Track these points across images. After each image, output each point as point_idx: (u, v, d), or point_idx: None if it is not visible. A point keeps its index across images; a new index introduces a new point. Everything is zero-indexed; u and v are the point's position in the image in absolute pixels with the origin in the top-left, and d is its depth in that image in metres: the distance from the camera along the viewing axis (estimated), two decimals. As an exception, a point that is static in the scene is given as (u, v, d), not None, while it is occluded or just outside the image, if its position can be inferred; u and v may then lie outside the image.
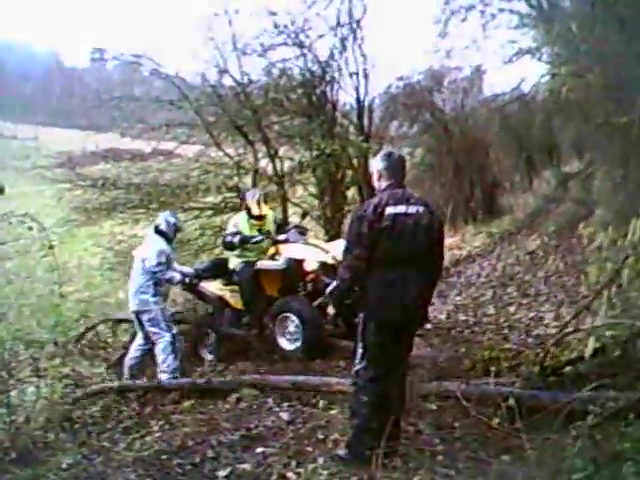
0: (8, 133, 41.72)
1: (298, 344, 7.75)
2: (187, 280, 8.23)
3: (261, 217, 8.56)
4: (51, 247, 7.14)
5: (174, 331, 7.92)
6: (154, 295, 7.86)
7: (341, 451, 4.85)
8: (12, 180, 6.15)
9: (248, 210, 8.56)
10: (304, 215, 9.42)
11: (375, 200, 4.80)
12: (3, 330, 7.18)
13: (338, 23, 12.42)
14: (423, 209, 4.84)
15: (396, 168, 5.01)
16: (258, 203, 8.53)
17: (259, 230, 8.53)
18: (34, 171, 14.12)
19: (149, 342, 7.95)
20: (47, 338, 8.88)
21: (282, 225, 9.21)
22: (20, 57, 65.70)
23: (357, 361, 4.81)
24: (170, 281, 8.10)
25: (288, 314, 7.86)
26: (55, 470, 5.07)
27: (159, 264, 7.85)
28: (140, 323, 7.93)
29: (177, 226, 8.39)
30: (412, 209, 4.78)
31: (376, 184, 5.05)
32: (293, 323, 7.81)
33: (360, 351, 4.79)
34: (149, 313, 7.84)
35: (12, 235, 6.98)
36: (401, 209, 4.74)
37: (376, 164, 5.06)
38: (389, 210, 4.69)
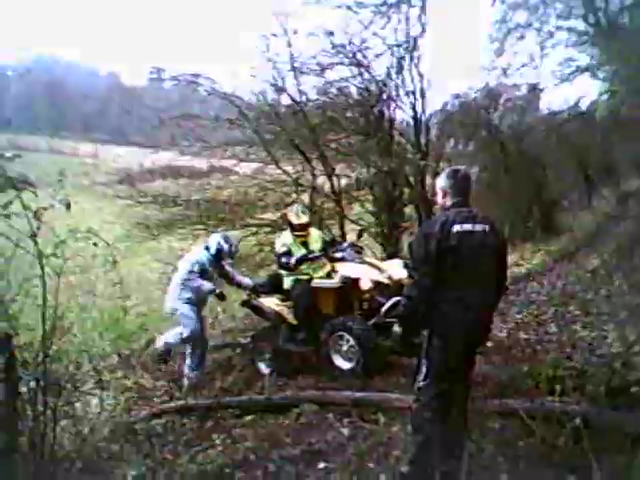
0: (69, 151, 42.67)
1: (353, 363, 7.71)
2: (245, 291, 8.57)
3: (302, 227, 8.58)
4: (115, 262, 7.28)
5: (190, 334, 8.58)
6: (185, 302, 8.57)
7: (404, 468, 4.80)
8: (72, 197, 6.29)
9: (290, 225, 8.62)
10: (360, 234, 9.39)
11: (442, 218, 4.76)
12: (67, 343, 7.28)
13: (396, 44, 12.47)
14: (489, 228, 4.81)
15: (462, 186, 4.96)
16: (297, 214, 8.59)
17: (304, 243, 8.57)
18: (94, 188, 14.40)
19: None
20: (109, 351, 9.04)
21: (334, 242, 9.22)
22: (81, 77, 67.29)
23: (421, 378, 4.77)
24: (199, 290, 8.55)
25: (343, 333, 7.84)
26: (120, 480, 5.16)
27: (190, 272, 8.53)
28: None
29: (221, 248, 8.79)
30: (478, 227, 4.75)
31: (440, 202, 5.03)
32: (348, 342, 7.78)
33: (424, 368, 4.74)
34: (178, 317, 8.65)
35: (73, 250, 7.12)
36: (467, 227, 4.71)
37: (441, 182, 5.01)
38: (456, 228, 4.66)
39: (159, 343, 8.80)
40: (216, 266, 8.75)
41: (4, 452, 5.05)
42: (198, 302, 8.68)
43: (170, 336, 8.74)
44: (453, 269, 4.64)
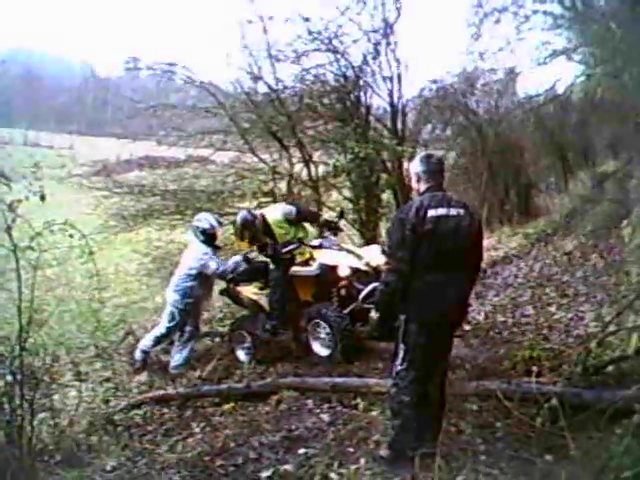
0: (44, 143, 42.30)
1: (331, 350, 7.75)
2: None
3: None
4: (91, 253, 7.24)
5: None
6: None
7: (383, 452, 4.87)
8: (48, 189, 6.25)
9: None
10: (341, 215, 9.38)
11: (417, 203, 4.79)
12: (45, 335, 7.24)
13: (372, 29, 12.45)
14: (464, 211, 4.85)
15: (435, 170, 5.00)
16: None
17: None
18: (71, 179, 14.28)
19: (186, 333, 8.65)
20: (87, 343, 9.00)
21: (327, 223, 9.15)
22: (54, 69, 66.66)
23: (398, 362, 4.81)
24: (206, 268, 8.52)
25: (319, 320, 7.87)
26: (100, 472, 5.15)
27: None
28: None
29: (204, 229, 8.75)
30: (453, 211, 4.79)
31: (415, 186, 5.06)
32: (324, 330, 7.81)
33: (401, 352, 4.78)
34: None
35: (50, 243, 7.09)
36: (442, 212, 4.75)
37: (415, 167, 5.05)
38: (431, 213, 4.70)
39: (137, 354, 8.64)
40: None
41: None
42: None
43: (147, 341, 8.65)
44: (429, 253, 4.67)
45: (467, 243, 4.85)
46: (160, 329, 8.56)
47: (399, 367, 4.81)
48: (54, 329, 8.31)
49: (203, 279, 8.55)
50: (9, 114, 54.11)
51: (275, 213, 8.55)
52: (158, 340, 8.57)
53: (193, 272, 8.47)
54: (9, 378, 5.22)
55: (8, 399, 5.15)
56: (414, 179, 5.05)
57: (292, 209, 8.56)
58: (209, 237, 8.70)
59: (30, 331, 5.45)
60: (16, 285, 5.29)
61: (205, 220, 8.78)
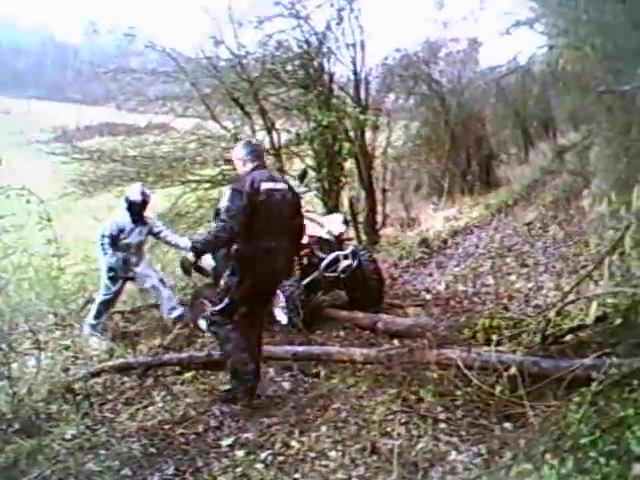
0: (2, 108, 41.43)
1: (289, 318, 7.74)
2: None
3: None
4: (49, 220, 7.12)
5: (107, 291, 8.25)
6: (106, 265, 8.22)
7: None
8: (7, 154, 6.12)
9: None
10: (304, 174, 9.33)
11: (250, 178, 5.55)
12: (2, 303, 7.13)
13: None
14: (286, 186, 5.81)
15: (258, 152, 5.93)
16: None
17: None
18: (29, 145, 14.01)
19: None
20: (46, 311, 8.86)
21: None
22: (12, 33, 65.12)
23: (217, 309, 5.74)
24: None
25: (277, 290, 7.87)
26: (59, 440, 5.09)
27: (102, 236, 8.12)
28: None
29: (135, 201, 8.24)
30: (279, 185, 5.71)
31: (241, 170, 5.79)
32: (282, 299, 7.80)
33: (224, 303, 5.65)
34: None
35: (8, 209, 6.96)
36: (271, 185, 5.61)
37: (239, 152, 5.85)
38: (264, 186, 5.53)
39: (85, 330, 8.41)
40: (136, 225, 8.33)
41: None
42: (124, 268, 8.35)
43: (89, 319, 8.39)
44: (262, 222, 5.49)
45: (291, 212, 5.74)
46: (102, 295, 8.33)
47: (216, 316, 5.74)
48: (12, 297, 8.14)
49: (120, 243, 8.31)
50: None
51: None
52: (100, 312, 8.32)
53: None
54: (-34, 346, 5.14)
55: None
56: (239, 164, 5.81)
57: None
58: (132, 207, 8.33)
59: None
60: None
61: (135, 191, 8.40)
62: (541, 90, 22.20)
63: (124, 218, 8.14)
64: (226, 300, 5.64)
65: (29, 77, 56.46)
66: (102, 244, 8.06)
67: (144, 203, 8.25)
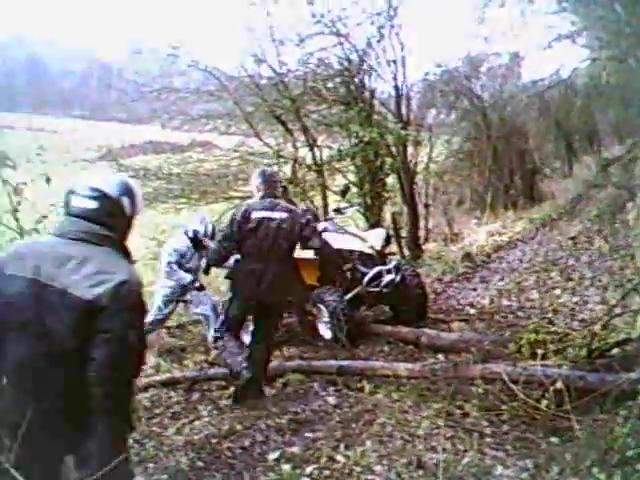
0: (49, 128, 42.24)
1: (334, 333, 7.75)
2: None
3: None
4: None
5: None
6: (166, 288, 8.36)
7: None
8: (54, 173, 6.23)
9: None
10: (346, 190, 9.41)
11: (245, 206, 6.34)
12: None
13: (376, 12, 12.37)
14: (286, 215, 6.22)
15: (268, 182, 6.37)
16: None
17: None
18: (76, 164, 14.26)
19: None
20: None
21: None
22: (58, 53, 66.50)
23: (216, 327, 6.82)
24: (180, 282, 8.26)
25: (320, 304, 7.89)
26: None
27: (169, 263, 8.20)
28: None
29: (197, 232, 7.99)
30: (276, 215, 6.18)
31: (255, 196, 6.41)
32: (326, 314, 7.82)
33: (219, 320, 6.86)
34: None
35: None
36: (266, 214, 6.15)
37: (253, 180, 6.48)
38: (254, 215, 6.12)
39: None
40: (197, 250, 8.40)
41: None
42: (180, 292, 8.42)
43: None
44: (251, 247, 6.13)
45: (286, 242, 6.22)
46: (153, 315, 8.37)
47: (217, 333, 6.62)
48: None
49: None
50: (13, 98, 54.07)
51: None
52: (148, 331, 8.32)
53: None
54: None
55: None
56: (254, 190, 6.41)
57: None
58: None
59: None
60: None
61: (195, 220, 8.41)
62: (584, 103, 22.01)
63: (183, 243, 8.21)
64: (222, 316, 6.70)
65: (75, 98, 57.51)
66: (170, 270, 8.18)
67: (205, 232, 8.31)
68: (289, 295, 6.82)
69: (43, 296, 2.70)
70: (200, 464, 4.96)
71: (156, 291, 8.46)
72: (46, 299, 2.70)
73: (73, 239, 2.82)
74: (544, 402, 4.96)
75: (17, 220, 5.56)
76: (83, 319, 2.65)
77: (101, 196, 2.90)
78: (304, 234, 6.33)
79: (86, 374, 2.64)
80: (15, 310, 2.75)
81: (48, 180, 5.99)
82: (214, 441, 5.28)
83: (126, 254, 3.00)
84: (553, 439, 4.60)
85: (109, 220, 2.91)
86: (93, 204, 2.88)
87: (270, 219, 6.12)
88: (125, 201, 2.97)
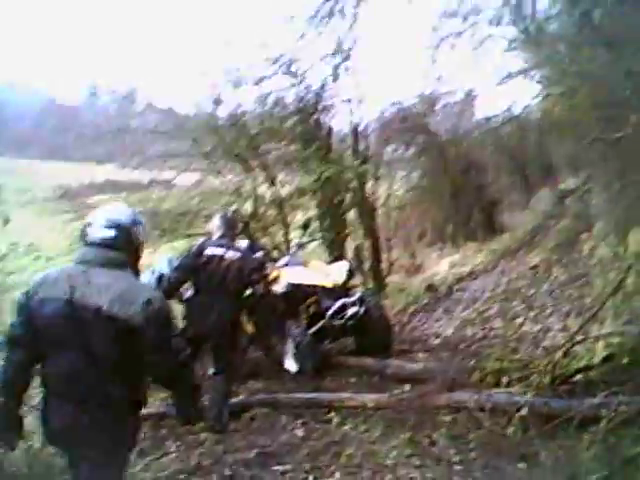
0: (5, 168, 41.80)
1: (299, 366, 7.72)
2: None
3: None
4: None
5: None
6: None
7: None
8: (12, 214, 6.22)
9: None
10: (307, 224, 9.52)
11: (200, 243, 6.93)
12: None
13: (331, 53, 12.50)
14: (238, 256, 6.71)
15: (227, 224, 6.99)
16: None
17: None
18: (33, 204, 14.13)
19: None
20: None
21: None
22: (13, 97, 66.04)
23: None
24: None
25: (285, 338, 7.88)
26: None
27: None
28: None
29: (162, 275, 7.73)
30: (229, 254, 6.64)
31: (214, 235, 6.90)
32: (291, 347, 7.80)
33: None
34: None
35: (15, 267, 7.04)
36: (219, 252, 6.62)
37: (214, 222, 7.09)
38: (207, 252, 6.62)
39: None
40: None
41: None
42: None
43: None
44: (202, 281, 6.62)
45: (234, 279, 6.60)
46: None
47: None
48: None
49: None
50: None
51: None
52: None
53: None
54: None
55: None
56: (214, 230, 6.96)
57: None
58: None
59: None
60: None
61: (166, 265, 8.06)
62: (539, 137, 22.35)
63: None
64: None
65: (31, 139, 57.05)
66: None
67: None
68: (231, 334, 6.83)
69: (79, 315, 3.23)
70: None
71: None
72: (82, 318, 3.23)
73: (96, 265, 3.35)
74: (510, 429, 5.00)
75: (-23, 261, 5.50)
76: (117, 334, 3.22)
77: (116, 226, 3.45)
78: (252, 278, 7.00)
79: (125, 382, 3.33)
80: (53, 330, 3.29)
81: (7, 221, 5.95)
82: (182, 477, 5.24)
83: (137, 274, 3.66)
84: (520, 465, 4.64)
85: (125, 246, 3.47)
86: (110, 233, 3.42)
87: (222, 258, 6.60)
88: (136, 229, 3.55)
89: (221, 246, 6.70)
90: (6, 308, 6.23)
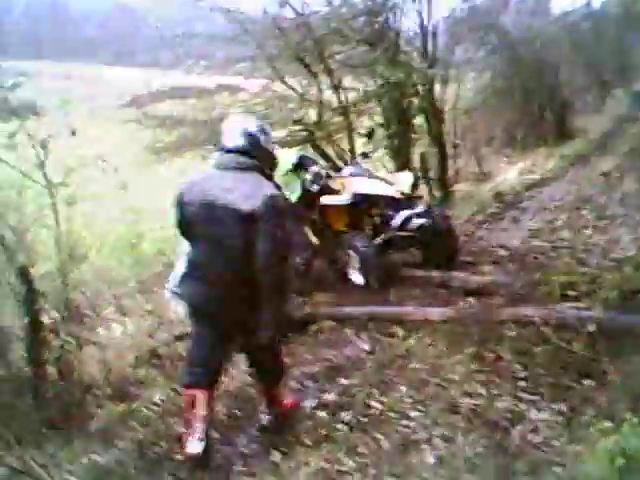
0: (74, 74, 42.14)
1: (365, 278, 7.71)
2: None
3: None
4: (124, 187, 7.27)
5: None
6: None
7: None
8: (79, 123, 6.23)
9: None
10: (370, 133, 9.32)
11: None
12: (85, 271, 7.31)
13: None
14: None
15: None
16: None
17: None
18: (102, 112, 14.26)
19: None
20: (127, 277, 9.04)
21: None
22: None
23: None
24: None
25: (350, 250, 7.83)
26: (148, 404, 5.26)
27: None
28: None
29: None
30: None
31: None
32: (356, 259, 7.77)
33: None
34: None
35: (84, 178, 7.12)
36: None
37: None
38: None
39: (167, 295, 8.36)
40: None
41: (33, 381, 5.18)
42: None
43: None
44: None
45: None
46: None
47: None
48: (94, 264, 8.32)
49: None
50: (38, 46, 53.93)
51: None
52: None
53: None
54: (54, 314, 5.33)
55: (55, 335, 5.27)
56: None
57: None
58: None
59: (71, 266, 5.53)
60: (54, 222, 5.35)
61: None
62: (617, 35, 21.42)
63: None
64: None
65: (97, 43, 57.17)
66: None
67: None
68: None
69: (212, 212, 4.01)
70: (238, 413, 5.05)
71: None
72: (215, 214, 4.00)
73: (229, 168, 4.15)
74: (576, 345, 4.95)
75: (45, 175, 5.58)
76: (243, 225, 3.93)
77: (247, 135, 4.21)
78: None
79: (251, 266, 3.94)
80: (194, 225, 4.17)
81: (74, 133, 6.00)
82: (250, 389, 5.34)
83: (268, 177, 4.29)
84: (587, 382, 4.59)
85: (253, 152, 4.20)
86: (241, 141, 4.19)
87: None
88: (262, 138, 4.28)
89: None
90: (77, 219, 6.38)
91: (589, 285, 6.12)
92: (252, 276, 4.00)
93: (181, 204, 4.23)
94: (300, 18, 11.63)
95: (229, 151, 4.22)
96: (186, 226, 4.27)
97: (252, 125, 4.33)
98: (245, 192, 3.97)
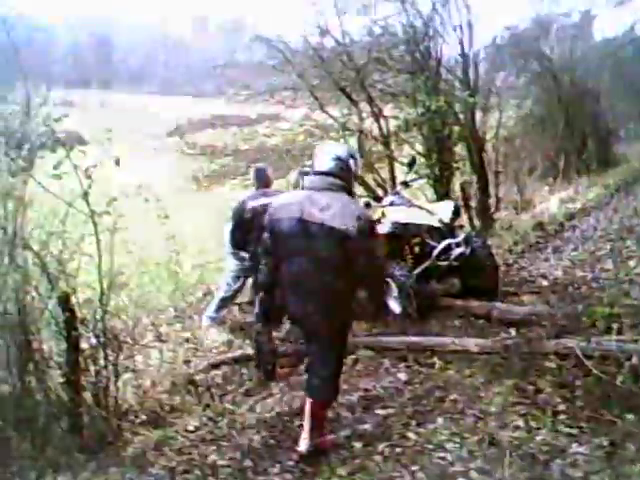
0: (118, 105, 42.86)
1: (403, 308, 7.65)
2: None
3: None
4: (166, 217, 7.34)
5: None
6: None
7: None
8: (122, 152, 6.36)
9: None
10: (412, 163, 9.30)
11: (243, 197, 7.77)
12: (125, 298, 7.38)
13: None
14: None
15: (258, 177, 8.00)
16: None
17: None
18: (144, 142, 14.50)
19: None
20: (166, 304, 9.12)
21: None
22: (124, 31, 67.09)
23: None
24: None
25: (389, 280, 7.78)
26: (182, 432, 5.27)
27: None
28: None
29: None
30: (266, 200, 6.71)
31: None
32: (394, 289, 7.72)
33: None
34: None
35: (130, 207, 7.20)
36: (263, 201, 6.93)
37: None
38: (250, 204, 7.45)
39: (204, 322, 8.51)
40: None
41: (70, 407, 5.22)
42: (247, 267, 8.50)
43: (208, 312, 8.49)
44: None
45: None
46: (223, 292, 8.45)
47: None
48: (134, 291, 8.40)
49: None
50: (84, 76, 54.97)
51: None
52: (219, 307, 8.44)
53: None
54: (93, 341, 5.39)
55: (93, 361, 5.32)
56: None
57: None
58: None
59: (111, 294, 5.60)
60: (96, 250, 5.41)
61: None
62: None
63: None
64: None
65: (143, 73, 58.16)
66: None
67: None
68: None
69: (307, 229, 4.33)
70: (272, 442, 5.03)
71: (225, 267, 8.57)
72: (309, 231, 4.32)
73: (321, 189, 4.43)
74: (619, 378, 4.86)
75: (88, 203, 5.66)
76: (337, 243, 4.28)
77: (337, 159, 4.54)
78: None
79: (343, 278, 4.40)
80: (288, 241, 4.45)
81: (117, 162, 6.08)
82: (286, 419, 5.34)
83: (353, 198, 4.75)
84: (629, 416, 4.50)
85: (343, 175, 4.53)
86: (333, 164, 4.51)
87: (264, 205, 6.47)
88: (351, 162, 4.62)
89: (261, 195, 7.46)
90: (118, 247, 6.45)
91: (633, 317, 6.02)
92: (344, 287, 4.46)
93: (273, 222, 4.56)
94: (341, 47, 11.73)
95: (320, 173, 4.54)
96: (276, 243, 4.57)
97: (342, 150, 4.74)
98: (338, 211, 4.29)
